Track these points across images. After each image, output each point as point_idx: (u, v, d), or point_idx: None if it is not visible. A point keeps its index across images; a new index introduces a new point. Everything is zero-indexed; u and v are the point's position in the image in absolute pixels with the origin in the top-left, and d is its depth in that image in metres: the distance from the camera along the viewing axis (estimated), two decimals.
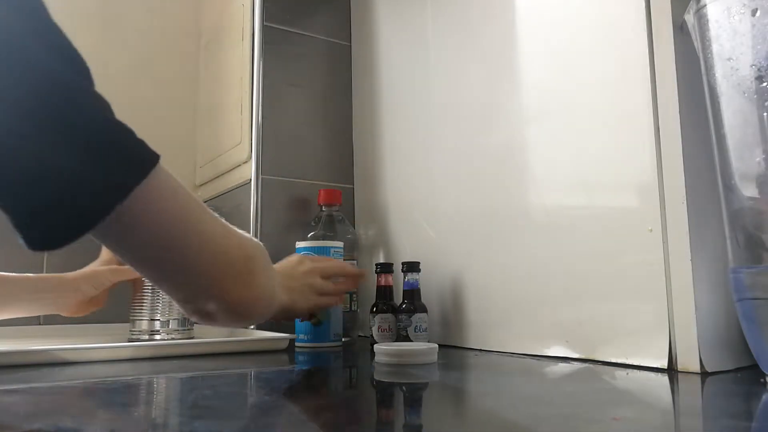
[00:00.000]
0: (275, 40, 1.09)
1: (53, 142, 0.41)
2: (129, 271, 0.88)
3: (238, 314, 0.58)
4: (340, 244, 0.89)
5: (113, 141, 0.44)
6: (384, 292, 0.87)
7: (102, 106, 0.44)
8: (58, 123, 0.42)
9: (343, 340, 0.88)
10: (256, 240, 0.60)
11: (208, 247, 0.53)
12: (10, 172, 0.41)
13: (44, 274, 0.87)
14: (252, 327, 0.99)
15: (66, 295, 0.84)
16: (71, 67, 0.43)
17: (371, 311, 0.86)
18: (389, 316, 0.85)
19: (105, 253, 0.91)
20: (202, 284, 0.54)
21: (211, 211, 0.54)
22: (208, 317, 0.58)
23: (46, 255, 1.14)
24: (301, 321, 0.86)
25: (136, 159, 0.45)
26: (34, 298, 0.83)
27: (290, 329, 0.95)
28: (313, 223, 1.00)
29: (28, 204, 0.42)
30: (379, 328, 0.85)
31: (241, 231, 0.58)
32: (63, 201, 0.42)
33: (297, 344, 0.86)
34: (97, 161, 0.43)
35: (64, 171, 0.42)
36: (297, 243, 0.89)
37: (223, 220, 0.56)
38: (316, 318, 0.85)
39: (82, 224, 0.43)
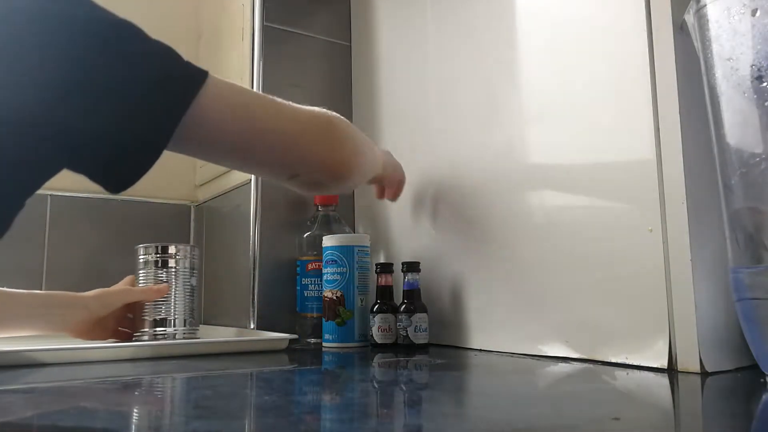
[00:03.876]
0: (275, 40, 1.09)
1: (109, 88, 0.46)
2: (139, 292, 0.86)
3: (338, 177, 0.63)
4: (367, 242, 0.91)
5: (164, 67, 0.49)
6: (384, 292, 0.87)
7: (138, 34, 0.49)
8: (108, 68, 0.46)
9: None
10: (327, 110, 0.64)
11: (288, 127, 0.59)
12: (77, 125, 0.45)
13: (52, 291, 0.83)
14: (252, 327, 0.99)
15: (73, 313, 0.81)
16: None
17: (371, 311, 0.86)
18: (389, 316, 0.85)
19: (124, 282, 0.89)
20: (294, 160, 0.60)
21: (279, 99, 0.59)
22: (318, 186, 0.66)
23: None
24: (326, 321, 0.86)
25: (188, 74, 0.50)
26: (41, 313, 0.80)
27: (290, 329, 0.95)
28: (309, 223, 1.00)
29: (104, 145, 0.47)
30: (379, 328, 0.85)
31: (311, 107, 0.62)
32: (133, 129, 0.47)
33: (324, 344, 0.87)
34: (153, 88, 0.48)
35: (124, 107, 0.46)
36: (324, 240, 0.90)
37: (293, 104, 0.60)
38: (341, 318, 0.85)
39: (158, 143, 0.48)
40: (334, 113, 0.64)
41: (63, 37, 0.44)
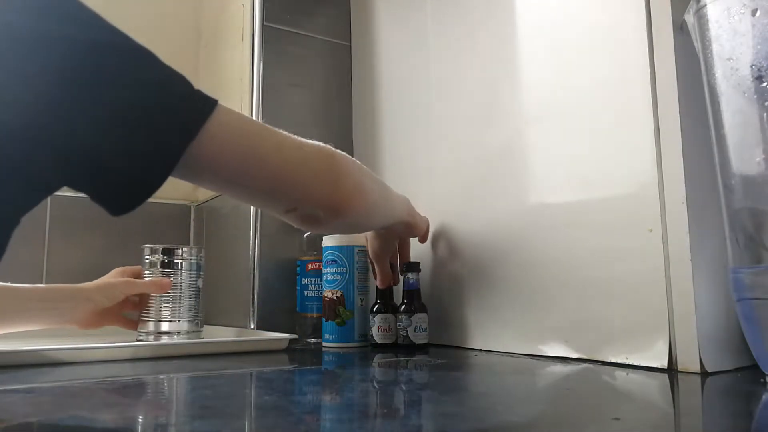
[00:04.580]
0: (275, 40, 1.09)
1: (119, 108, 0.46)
2: (143, 285, 0.87)
3: (337, 213, 0.62)
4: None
5: (174, 92, 0.49)
6: (384, 292, 0.87)
7: (149, 60, 0.48)
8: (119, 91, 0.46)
9: None
10: (331, 147, 0.63)
11: (289, 158, 0.58)
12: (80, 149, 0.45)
13: (56, 285, 0.83)
14: (252, 327, 0.99)
15: (79, 306, 0.81)
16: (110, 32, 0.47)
17: (371, 311, 0.86)
18: (389, 316, 0.85)
19: (114, 275, 0.89)
20: (294, 193, 0.59)
21: (284, 132, 0.59)
22: (315, 222, 0.63)
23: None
24: (326, 321, 0.86)
25: (198, 103, 0.50)
26: (47, 308, 0.80)
27: (290, 329, 0.95)
28: None
29: (114, 164, 0.47)
30: (379, 328, 0.85)
31: (316, 142, 0.62)
32: (140, 153, 0.47)
33: (324, 344, 0.87)
34: (161, 113, 0.48)
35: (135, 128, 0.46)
36: (324, 240, 0.90)
37: (297, 137, 0.60)
38: (340, 318, 0.85)
39: (162, 169, 0.48)
40: (340, 151, 0.63)
41: (65, 60, 0.44)
